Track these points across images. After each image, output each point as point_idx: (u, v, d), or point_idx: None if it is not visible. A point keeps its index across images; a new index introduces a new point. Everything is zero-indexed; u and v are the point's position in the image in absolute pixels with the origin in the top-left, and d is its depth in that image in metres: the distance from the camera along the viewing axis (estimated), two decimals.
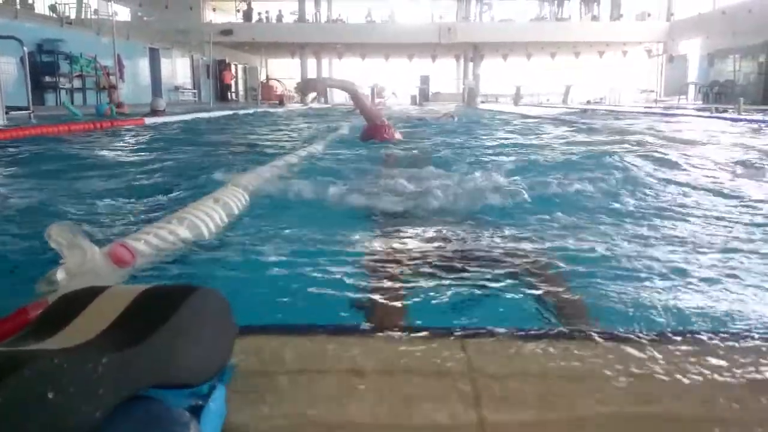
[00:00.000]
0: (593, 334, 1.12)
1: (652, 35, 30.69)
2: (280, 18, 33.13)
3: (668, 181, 3.44)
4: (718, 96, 23.82)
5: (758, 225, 2.39)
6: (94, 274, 0.96)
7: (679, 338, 1.09)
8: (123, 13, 29.36)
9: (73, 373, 0.65)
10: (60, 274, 1.14)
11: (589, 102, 27.90)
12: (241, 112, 16.38)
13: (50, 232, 0.91)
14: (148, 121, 10.34)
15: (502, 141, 6.72)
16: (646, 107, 21.17)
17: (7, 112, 9.51)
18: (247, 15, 32.60)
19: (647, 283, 1.55)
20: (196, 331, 0.82)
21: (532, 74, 35.21)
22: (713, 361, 1.00)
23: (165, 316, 0.78)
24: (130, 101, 18.45)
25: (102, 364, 0.68)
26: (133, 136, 7.75)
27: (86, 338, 0.77)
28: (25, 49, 10.31)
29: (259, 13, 33.25)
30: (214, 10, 33.47)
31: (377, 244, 1.80)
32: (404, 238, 1.92)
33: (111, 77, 19.96)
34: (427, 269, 1.48)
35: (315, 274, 1.48)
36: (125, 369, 0.71)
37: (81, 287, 1.11)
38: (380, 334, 1.10)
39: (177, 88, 26.58)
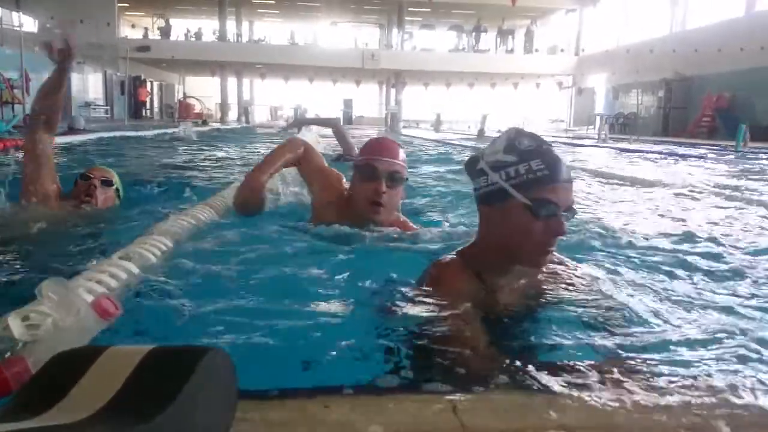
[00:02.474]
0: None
1: (563, 68, 32.48)
2: (199, 36, 32.51)
3: None
4: (622, 127, 25.46)
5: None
6: (81, 329, 0.91)
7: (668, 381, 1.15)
8: (28, 24, 27.77)
9: None
10: (13, 325, 1.06)
11: (499, 131, 29.00)
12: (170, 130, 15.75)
13: (42, 289, 0.85)
14: (58, 140, 9.76)
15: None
16: (553, 136, 22.27)
17: None
18: (166, 32, 31.75)
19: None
20: (210, 394, 0.79)
21: (452, 102, 36.29)
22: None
23: (181, 381, 0.74)
24: None
25: None
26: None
27: (97, 407, 0.72)
28: None
29: (188, 31, 32.50)
30: (133, 26, 32.37)
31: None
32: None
33: (15, 90, 18.80)
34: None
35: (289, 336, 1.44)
36: None
37: (50, 342, 1.04)
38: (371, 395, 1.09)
39: (88, 105, 25.37)
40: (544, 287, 1.64)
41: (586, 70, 31.33)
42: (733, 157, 10.83)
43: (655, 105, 23.77)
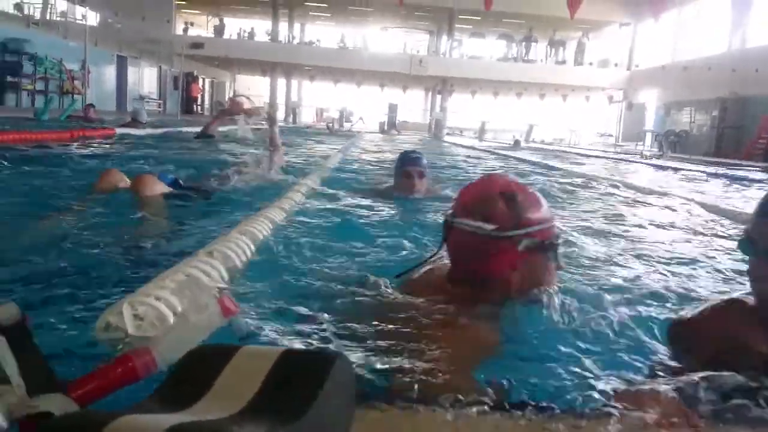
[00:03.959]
0: None
1: (613, 82, 31.93)
2: (252, 36, 33.12)
3: None
4: (672, 145, 24.89)
5: None
6: (206, 326, 0.95)
7: None
8: (90, 18, 28.78)
9: None
10: (125, 315, 1.11)
11: (543, 141, 28.85)
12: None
13: (180, 287, 0.89)
14: (120, 131, 10.05)
15: None
16: (602, 151, 21.92)
17: None
18: (219, 30, 32.46)
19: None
20: (339, 398, 0.81)
21: (499, 111, 36.06)
22: None
23: (317, 385, 0.77)
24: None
25: None
26: (107, 150, 7.35)
27: (239, 406, 0.76)
28: None
29: (241, 30, 33.17)
30: (192, 24, 33.16)
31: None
32: None
33: (76, 82, 19.54)
34: None
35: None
36: None
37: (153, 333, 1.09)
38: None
39: (142, 98, 26.13)
40: None
41: (638, 85, 30.73)
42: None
43: (708, 124, 23.16)
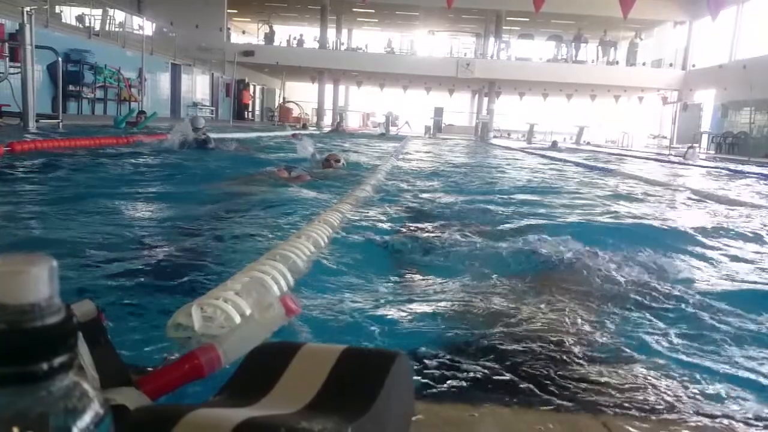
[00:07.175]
0: None
1: (668, 83, 31.00)
2: (301, 43, 33.62)
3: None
4: (730, 146, 24.02)
5: None
6: (269, 325, 0.98)
7: None
8: (146, 28, 29.77)
9: None
10: (194, 316, 1.14)
11: (588, 143, 28.45)
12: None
13: (245, 287, 0.92)
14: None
15: None
16: (657, 153, 21.33)
17: (36, 120, 9.61)
18: (270, 38, 33.09)
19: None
20: (400, 396, 0.83)
21: (548, 113, 35.53)
22: None
23: (378, 382, 0.79)
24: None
25: None
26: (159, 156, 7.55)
27: (304, 401, 0.78)
28: (59, 59, 10.42)
29: (290, 38, 33.78)
30: (243, 32, 33.96)
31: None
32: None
33: (133, 90, 20.24)
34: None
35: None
36: None
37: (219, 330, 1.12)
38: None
39: (195, 104, 26.84)
40: None
41: (694, 85, 29.73)
42: None
43: None
